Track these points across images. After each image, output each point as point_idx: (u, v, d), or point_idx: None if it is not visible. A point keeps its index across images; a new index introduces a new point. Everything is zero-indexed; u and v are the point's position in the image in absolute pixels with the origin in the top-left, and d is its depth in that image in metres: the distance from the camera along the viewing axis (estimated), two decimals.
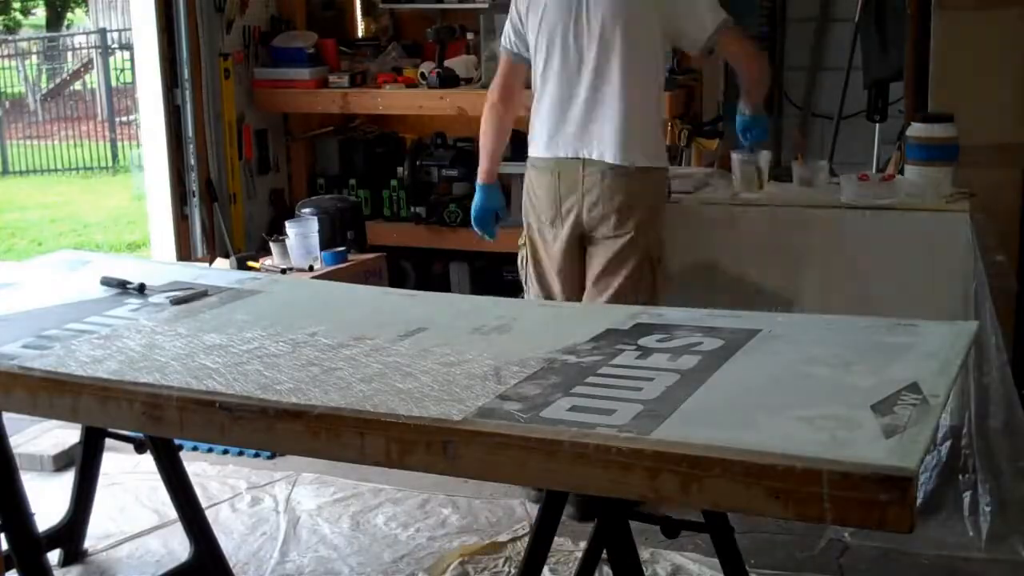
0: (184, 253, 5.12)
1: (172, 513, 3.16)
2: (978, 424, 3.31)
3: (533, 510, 3.38)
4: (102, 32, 13.84)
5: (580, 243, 3.48)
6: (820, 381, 2.10)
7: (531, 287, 3.61)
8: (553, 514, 2.38)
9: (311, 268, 4.39)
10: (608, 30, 3.33)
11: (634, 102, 3.34)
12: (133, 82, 8.75)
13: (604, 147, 3.36)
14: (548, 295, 3.54)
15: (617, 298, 3.36)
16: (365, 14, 5.89)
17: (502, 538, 3.34)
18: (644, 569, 2.58)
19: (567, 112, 3.41)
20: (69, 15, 19.26)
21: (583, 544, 2.60)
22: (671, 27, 3.36)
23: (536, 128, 3.49)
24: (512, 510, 3.53)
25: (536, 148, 3.50)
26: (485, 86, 5.02)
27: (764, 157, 3.70)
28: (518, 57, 3.57)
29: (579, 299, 3.47)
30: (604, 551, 2.46)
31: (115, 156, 11.87)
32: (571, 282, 3.51)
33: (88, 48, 14.37)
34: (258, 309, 2.77)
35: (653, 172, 3.41)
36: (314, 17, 5.62)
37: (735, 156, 3.70)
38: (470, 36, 5.36)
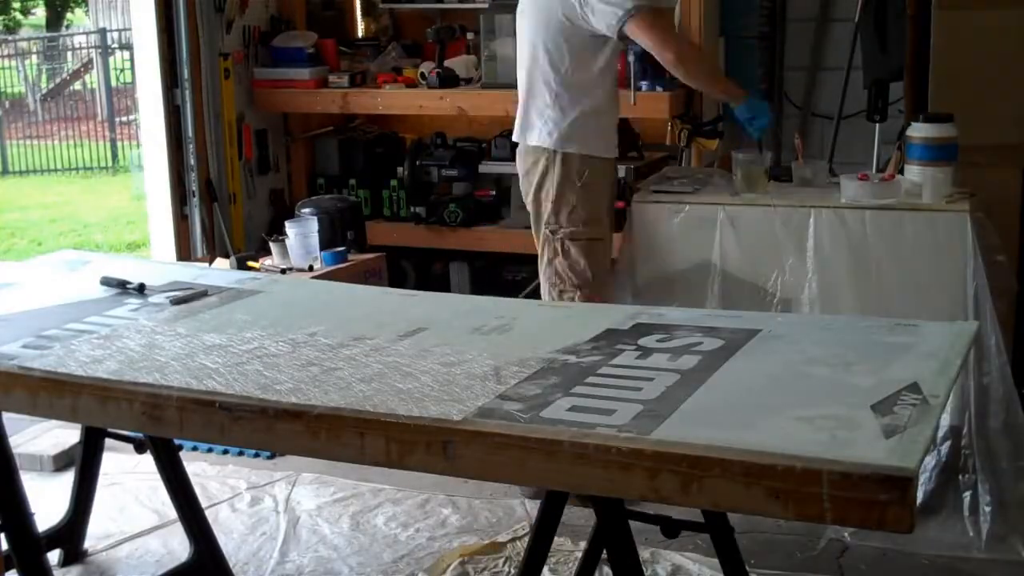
0: (184, 253, 5.12)
1: (172, 513, 3.16)
2: (978, 424, 3.31)
3: (533, 510, 3.38)
4: (102, 32, 13.84)
5: None
6: (820, 381, 2.10)
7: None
8: (553, 514, 2.38)
9: (311, 268, 4.39)
10: (533, 24, 3.54)
11: (536, 88, 3.56)
12: (133, 82, 8.76)
13: (516, 127, 3.71)
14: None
15: (542, 270, 3.69)
16: (365, 14, 5.89)
17: (502, 538, 3.34)
18: (644, 569, 2.58)
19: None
20: (69, 15, 19.26)
21: (583, 544, 2.60)
22: (582, 20, 3.40)
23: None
24: (512, 510, 3.53)
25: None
26: (485, 86, 5.05)
27: (764, 157, 3.70)
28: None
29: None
30: (604, 551, 2.46)
31: (115, 156, 11.87)
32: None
33: (88, 48, 14.37)
34: (258, 309, 2.77)
35: (546, 152, 3.56)
36: (314, 17, 5.62)
37: (736, 156, 3.70)
38: (470, 36, 5.36)
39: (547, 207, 3.57)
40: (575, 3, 3.40)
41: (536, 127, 3.56)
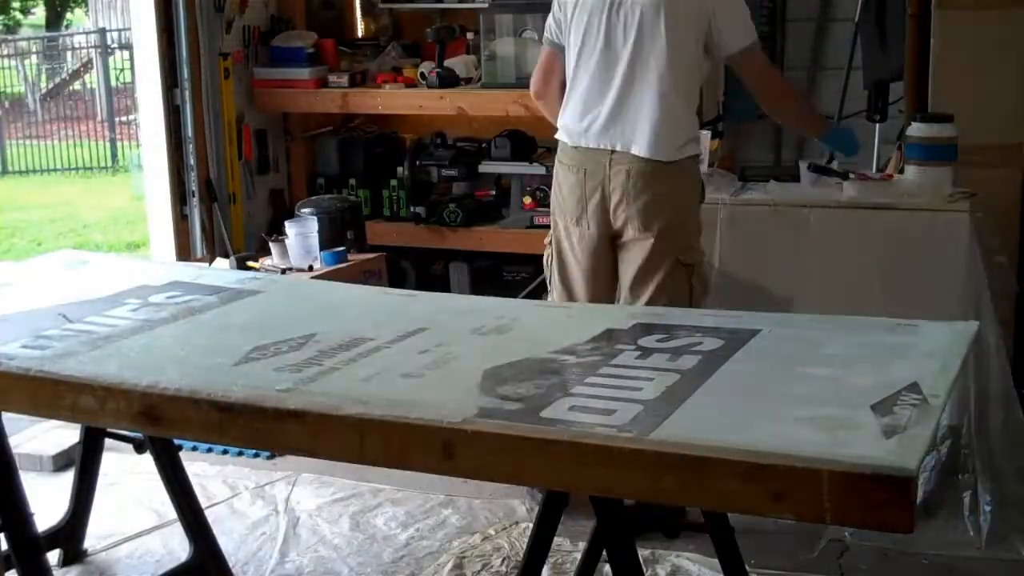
0: (184, 253, 5.12)
1: (172, 513, 3.15)
2: (978, 424, 3.31)
3: (534, 509, 3.38)
4: (102, 32, 13.85)
5: (610, 245, 3.35)
6: (820, 381, 2.09)
7: (554, 288, 3.49)
8: (553, 514, 2.38)
9: (311, 268, 4.39)
10: (648, 21, 3.21)
11: (669, 95, 3.22)
12: (133, 82, 8.75)
13: (633, 138, 3.24)
14: (570, 297, 3.41)
15: (655, 299, 3.24)
16: (365, 14, 5.89)
17: (492, 531, 3.36)
18: (644, 569, 2.58)
19: (599, 104, 3.29)
20: (69, 15, 19.25)
21: (583, 544, 2.60)
22: (708, 27, 3.23)
23: (567, 120, 3.38)
24: (512, 510, 3.52)
25: (564, 142, 3.39)
26: (485, 86, 5.05)
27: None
28: (558, 47, 3.44)
29: (606, 302, 3.33)
30: (604, 551, 2.46)
31: (115, 156, 11.87)
32: (596, 285, 3.37)
33: (88, 48, 14.36)
34: (258, 309, 2.77)
35: (682, 171, 3.27)
36: (314, 17, 5.62)
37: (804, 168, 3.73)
38: (470, 36, 5.36)
39: (655, 227, 3.23)
40: (706, 16, 3.21)
41: (678, 139, 3.25)
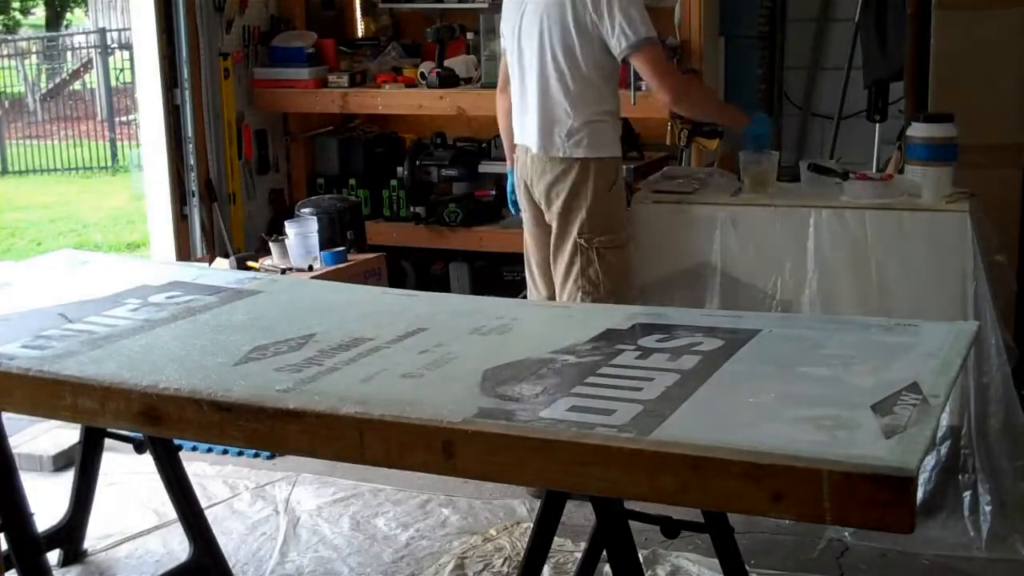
0: (184, 253, 5.12)
1: (172, 513, 3.16)
2: (978, 424, 3.31)
3: (533, 509, 3.38)
4: (101, 32, 13.84)
5: (544, 225, 3.68)
6: (820, 381, 2.09)
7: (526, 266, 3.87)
8: (553, 514, 2.38)
9: (311, 268, 4.39)
10: (542, 27, 3.50)
11: (554, 97, 3.51)
12: (133, 82, 8.75)
13: (532, 139, 3.59)
14: (530, 274, 3.81)
15: (564, 280, 3.60)
16: (365, 14, 5.88)
17: (492, 532, 3.35)
18: (644, 569, 2.58)
19: (518, 107, 3.67)
20: (68, 15, 19.26)
21: (583, 544, 2.60)
22: (597, 31, 3.44)
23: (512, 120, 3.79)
24: (512, 510, 3.53)
25: None
26: (485, 86, 5.05)
27: (771, 158, 3.71)
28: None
29: (550, 277, 3.71)
30: (604, 551, 2.46)
31: (115, 156, 11.87)
32: (539, 259, 3.74)
33: (88, 48, 14.36)
34: (258, 309, 2.77)
35: (574, 164, 3.51)
36: (314, 17, 5.62)
37: (743, 157, 3.70)
38: (470, 36, 5.36)
39: (579, 216, 3.52)
40: (592, 18, 3.42)
41: (561, 136, 3.51)
